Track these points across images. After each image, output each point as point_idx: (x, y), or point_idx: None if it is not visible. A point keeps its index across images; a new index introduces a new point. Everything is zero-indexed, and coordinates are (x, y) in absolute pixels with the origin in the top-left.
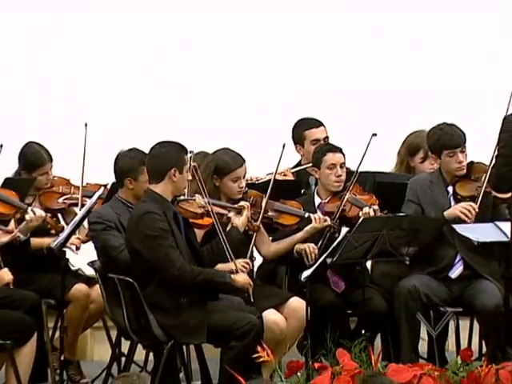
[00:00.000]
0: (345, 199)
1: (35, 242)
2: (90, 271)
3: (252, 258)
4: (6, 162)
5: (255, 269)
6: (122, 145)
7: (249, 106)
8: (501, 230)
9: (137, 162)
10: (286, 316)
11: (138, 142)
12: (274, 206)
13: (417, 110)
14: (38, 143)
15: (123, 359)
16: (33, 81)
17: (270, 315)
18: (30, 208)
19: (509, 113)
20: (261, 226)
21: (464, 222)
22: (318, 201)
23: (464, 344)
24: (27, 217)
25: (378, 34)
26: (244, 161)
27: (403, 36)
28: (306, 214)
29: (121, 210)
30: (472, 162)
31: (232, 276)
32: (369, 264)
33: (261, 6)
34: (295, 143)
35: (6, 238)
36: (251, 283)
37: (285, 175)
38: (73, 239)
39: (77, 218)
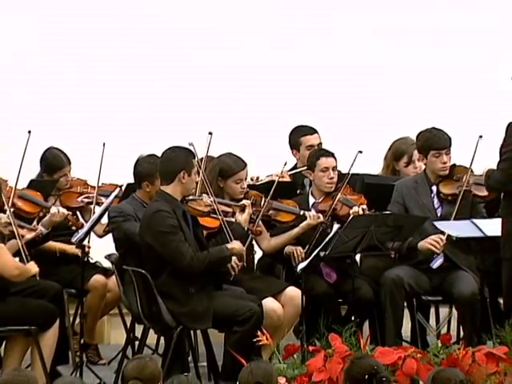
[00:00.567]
0: (336, 199)
1: (49, 244)
2: (107, 264)
3: (252, 252)
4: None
5: (255, 261)
6: (135, 147)
7: (251, 112)
8: (477, 226)
9: (154, 168)
10: (283, 304)
11: (148, 145)
12: (273, 204)
13: (403, 117)
14: (57, 148)
15: (137, 343)
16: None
17: (269, 303)
18: (54, 206)
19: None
20: (262, 228)
21: (451, 201)
22: (312, 200)
23: (444, 329)
24: (52, 211)
25: (373, 44)
26: (245, 164)
27: (394, 45)
28: (302, 212)
29: (137, 207)
30: (454, 165)
31: (228, 246)
32: (358, 257)
33: (263, 14)
34: (291, 148)
35: (30, 235)
36: (244, 250)
37: (282, 177)
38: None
39: (95, 216)
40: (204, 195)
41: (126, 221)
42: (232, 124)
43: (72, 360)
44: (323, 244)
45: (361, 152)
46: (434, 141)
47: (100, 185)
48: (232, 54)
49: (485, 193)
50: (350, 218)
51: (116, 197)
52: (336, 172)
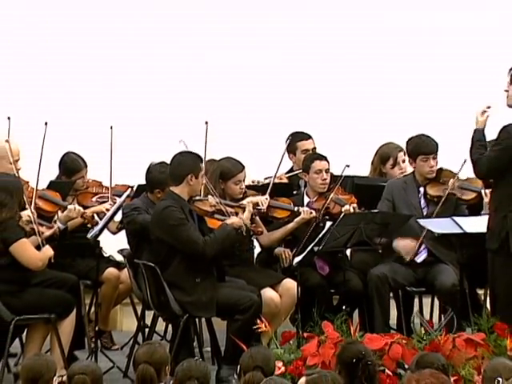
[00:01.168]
0: (329, 198)
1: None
2: (119, 258)
3: (252, 247)
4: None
5: (255, 256)
6: (144, 150)
7: (251, 118)
8: (457, 223)
9: (165, 176)
10: (280, 294)
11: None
12: (270, 202)
13: (390, 124)
14: (74, 152)
15: (147, 330)
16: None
17: (267, 293)
18: (71, 204)
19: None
20: (262, 227)
21: (435, 201)
22: (306, 200)
23: (426, 317)
24: (69, 207)
25: (370, 46)
26: (243, 167)
27: (383, 54)
28: (296, 208)
29: (148, 205)
30: (441, 169)
31: (228, 222)
32: (348, 252)
33: (263, 22)
34: (288, 153)
35: (48, 232)
36: (244, 219)
37: (280, 179)
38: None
39: (109, 214)
40: (209, 196)
41: (139, 214)
42: (231, 125)
43: (88, 345)
44: (317, 240)
45: (348, 166)
46: (422, 146)
47: (113, 185)
48: (235, 55)
49: (469, 197)
50: (341, 215)
51: (128, 196)
52: (328, 174)
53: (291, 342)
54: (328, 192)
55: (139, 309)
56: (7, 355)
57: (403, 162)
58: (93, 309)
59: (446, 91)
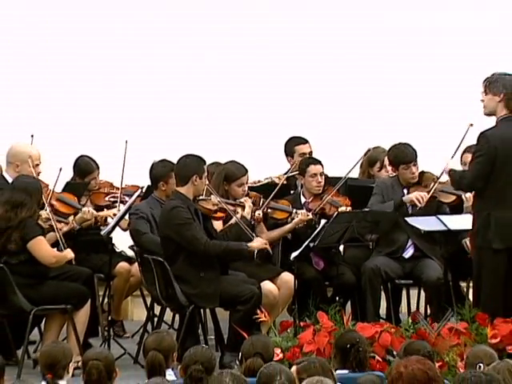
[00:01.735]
0: (325, 200)
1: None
2: (130, 253)
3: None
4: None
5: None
6: (151, 153)
7: (252, 124)
8: (442, 221)
9: (167, 169)
10: (278, 286)
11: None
12: (270, 204)
13: (378, 130)
14: (87, 156)
15: (155, 319)
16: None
17: (267, 286)
18: (85, 207)
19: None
20: (262, 225)
21: (416, 206)
22: (303, 200)
23: (413, 308)
24: (84, 210)
25: (367, 51)
26: (247, 171)
27: (373, 61)
28: (294, 210)
29: (155, 205)
30: (423, 172)
31: (248, 244)
32: (341, 248)
33: (261, 25)
34: (286, 155)
35: (66, 228)
36: (266, 243)
37: (279, 179)
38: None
39: (120, 213)
40: (212, 196)
41: (138, 219)
42: (238, 138)
43: (101, 334)
44: (312, 237)
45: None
46: (401, 157)
47: (124, 186)
48: (235, 56)
49: (449, 200)
50: (335, 214)
51: (138, 196)
52: (323, 177)
53: (289, 330)
54: (322, 193)
55: (148, 300)
56: (27, 343)
57: (389, 165)
58: (106, 300)
59: (441, 92)
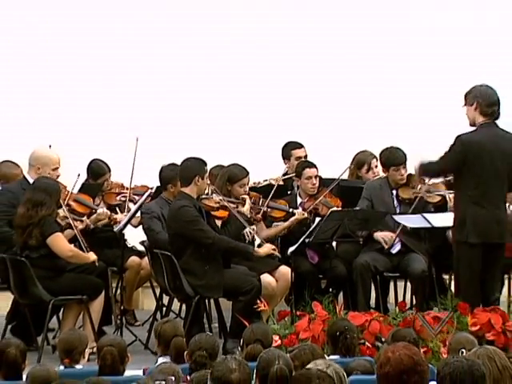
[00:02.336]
0: (319, 200)
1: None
2: (141, 248)
3: (254, 240)
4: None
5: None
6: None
7: (252, 129)
8: (426, 219)
9: (175, 173)
10: (276, 279)
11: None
12: (269, 203)
13: (368, 136)
14: (100, 159)
15: (164, 309)
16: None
17: (266, 278)
18: (99, 208)
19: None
20: (261, 223)
21: (408, 202)
22: (299, 200)
23: (400, 298)
24: (98, 211)
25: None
26: (248, 172)
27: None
28: (291, 210)
29: (164, 205)
30: (410, 174)
31: (256, 249)
32: (334, 243)
33: (259, 32)
34: (283, 158)
35: (81, 226)
36: (275, 248)
37: (277, 181)
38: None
39: (131, 211)
40: (214, 194)
41: (150, 218)
42: (239, 142)
43: (114, 322)
44: (308, 233)
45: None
46: (392, 159)
47: (133, 186)
48: (239, 60)
49: (434, 200)
50: (328, 212)
51: (148, 196)
52: (317, 179)
53: (286, 319)
54: (317, 194)
55: (157, 291)
56: (46, 330)
57: (376, 167)
58: (118, 291)
59: (436, 95)
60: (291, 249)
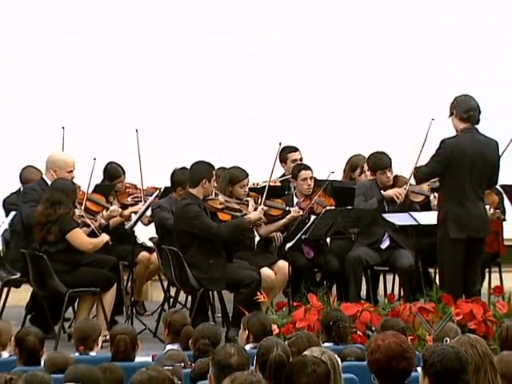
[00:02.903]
0: (313, 200)
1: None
2: (150, 244)
3: (253, 235)
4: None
5: (256, 242)
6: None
7: (252, 134)
8: (413, 217)
9: (186, 177)
10: (275, 272)
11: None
12: (267, 202)
13: (360, 140)
14: (115, 162)
15: (171, 300)
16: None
17: (265, 272)
18: (112, 206)
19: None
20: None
21: (395, 202)
22: (295, 200)
23: (389, 290)
24: (111, 208)
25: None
26: (248, 174)
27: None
28: (287, 208)
29: (172, 204)
30: (396, 176)
31: (245, 217)
32: (328, 239)
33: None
34: (281, 161)
35: (96, 224)
36: (261, 212)
37: (275, 182)
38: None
39: (142, 210)
40: (219, 196)
41: (161, 211)
42: (240, 146)
43: (125, 312)
44: (304, 230)
45: (333, 172)
46: (378, 164)
47: (145, 187)
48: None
49: (419, 199)
50: (323, 211)
51: (156, 196)
52: (312, 180)
53: (284, 309)
54: (312, 194)
55: (165, 283)
56: (63, 320)
57: (368, 170)
58: (129, 284)
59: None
60: (288, 245)
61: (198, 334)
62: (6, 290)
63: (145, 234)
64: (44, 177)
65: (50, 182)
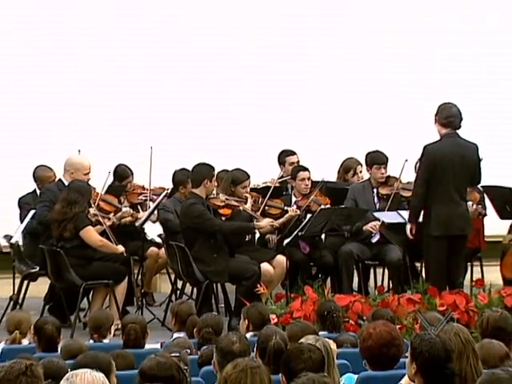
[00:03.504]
0: (310, 199)
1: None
2: (158, 240)
3: (254, 232)
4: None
5: (256, 239)
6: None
7: (253, 138)
8: (401, 215)
9: (186, 177)
10: (274, 266)
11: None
12: (267, 202)
13: (355, 142)
14: (124, 164)
15: (178, 292)
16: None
17: (265, 266)
18: (124, 207)
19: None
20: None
21: (386, 199)
22: (294, 199)
23: (379, 282)
24: (123, 210)
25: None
26: (249, 176)
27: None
28: (285, 207)
29: (176, 203)
30: (389, 176)
31: (256, 223)
32: (323, 236)
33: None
34: (279, 164)
35: (108, 222)
36: (273, 221)
37: (274, 183)
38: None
39: (151, 209)
40: (220, 194)
41: (165, 212)
42: (240, 149)
43: (136, 303)
44: (300, 227)
45: (324, 179)
46: (376, 159)
47: (152, 188)
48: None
49: (408, 194)
50: (318, 210)
51: (165, 196)
52: (309, 180)
53: (282, 300)
54: (309, 194)
55: (172, 276)
56: (78, 310)
57: (360, 172)
58: (139, 276)
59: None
60: (286, 241)
61: (201, 324)
62: (25, 282)
63: (154, 230)
64: (62, 178)
65: (67, 183)
